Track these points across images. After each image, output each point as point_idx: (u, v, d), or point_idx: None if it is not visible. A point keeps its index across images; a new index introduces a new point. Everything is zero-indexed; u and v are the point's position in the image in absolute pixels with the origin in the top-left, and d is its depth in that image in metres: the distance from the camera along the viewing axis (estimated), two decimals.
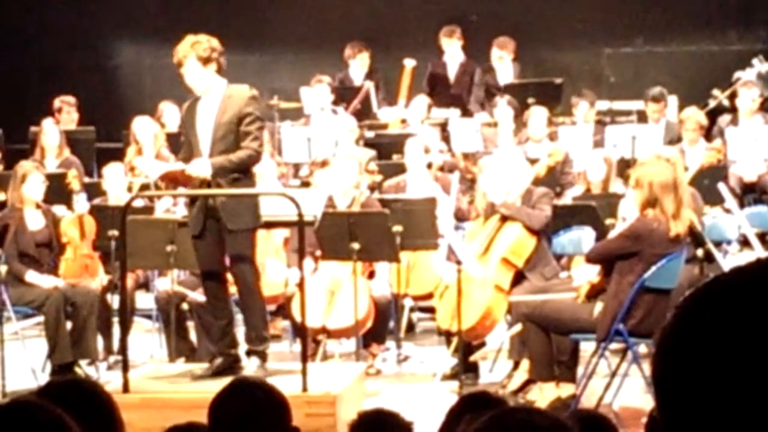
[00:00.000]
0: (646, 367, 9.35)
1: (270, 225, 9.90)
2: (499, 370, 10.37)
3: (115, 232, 10.61)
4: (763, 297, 1.46)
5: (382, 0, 16.52)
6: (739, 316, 1.45)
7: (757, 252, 11.82)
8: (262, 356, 9.37)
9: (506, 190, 10.46)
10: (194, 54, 9.15)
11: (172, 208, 11.99)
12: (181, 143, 13.45)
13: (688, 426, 1.47)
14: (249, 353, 9.43)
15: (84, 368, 10.66)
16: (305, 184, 11.35)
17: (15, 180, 11.25)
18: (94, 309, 10.73)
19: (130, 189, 12.30)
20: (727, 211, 12.04)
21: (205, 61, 9.16)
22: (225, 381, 5.27)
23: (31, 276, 10.88)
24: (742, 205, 12.18)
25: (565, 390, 9.36)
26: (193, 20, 15.79)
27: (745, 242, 12.01)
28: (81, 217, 11.43)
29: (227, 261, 9.50)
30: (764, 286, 1.48)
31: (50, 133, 13.86)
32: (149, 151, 13.52)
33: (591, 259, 9.61)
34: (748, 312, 1.45)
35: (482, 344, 10.56)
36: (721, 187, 11.89)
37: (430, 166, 12.20)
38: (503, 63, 15.78)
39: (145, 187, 12.61)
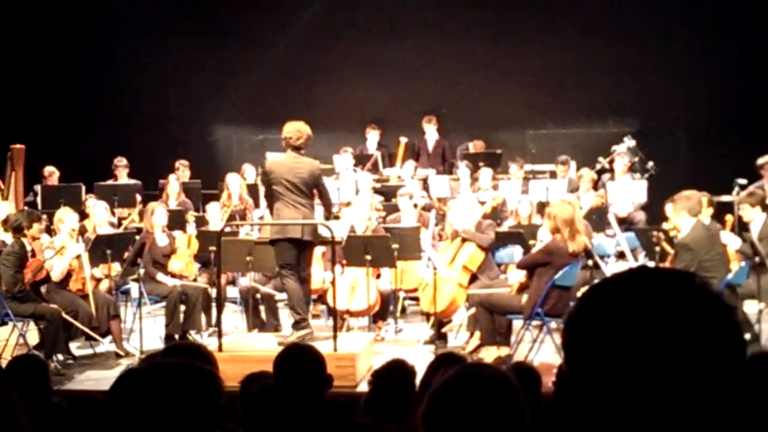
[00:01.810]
0: (556, 336, 9.36)
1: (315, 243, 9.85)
2: (460, 338, 10.33)
3: (213, 248, 10.60)
4: (632, 292, 1.52)
5: (387, 96, 16.43)
6: (617, 304, 1.51)
7: (630, 262, 11.84)
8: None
9: (465, 221, 10.46)
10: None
11: (249, 231, 12.00)
12: (254, 192, 13.55)
13: (585, 374, 1.51)
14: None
15: (193, 336, 10.63)
16: (336, 217, 11.31)
17: (147, 213, 11.27)
18: (199, 297, 10.70)
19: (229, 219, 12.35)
20: (608, 235, 12.04)
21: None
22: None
23: (160, 277, 10.86)
24: None
25: (503, 351, 9.32)
26: (264, 109, 15.87)
27: (620, 255, 12.01)
28: (190, 237, 11.48)
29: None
30: (632, 285, 1.53)
31: (172, 184, 13.86)
32: (235, 196, 13.51)
33: (520, 266, 9.56)
34: (622, 301, 1.51)
35: (449, 321, 10.53)
36: (611, 218, 11.86)
37: (416, 206, 12.20)
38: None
39: (231, 218, 12.64)
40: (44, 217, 10.79)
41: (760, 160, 12.74)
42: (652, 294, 1.50)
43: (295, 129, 9.05)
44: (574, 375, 1.54)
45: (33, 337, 10.02)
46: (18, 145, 13.17)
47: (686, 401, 1.46)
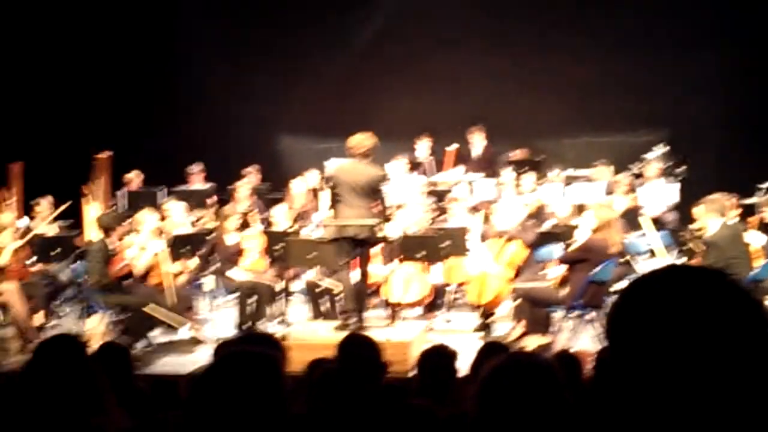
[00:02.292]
0: (593, 326, 9.31)
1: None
2: (505, 328, 10.30)
3: (279, 246, 10.66)
4: (669, 287, 1.54)
5: (437, 107, 16.40)
6: (656, 298, 1.53)
7: (661, 259, 11.74)
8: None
9: (509, 222, 10.44)
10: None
11: (313, 231, 12.03)
12: (316, 195, 13.60)
13: (627, 362, 1.53)
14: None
15: (261, 325, 10.69)
16: (390, 218, 11.34)
17: (221, 216, 11.35)
18: (267, 290, 10.77)
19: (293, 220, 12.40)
20: (642, 235, 11.96)
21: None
22: (344, 333, 5.32)
23: (230, 272, 10.95)
24: None
25: (544, 340, 9.31)
26: (325, 120, 15.89)
27: (652, 253, 11.91)
28: (259, 236, 11.53)
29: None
30: (670, 281, 1.55)
31: (242, 188, 13.94)
32: (299, 199, 13.57)
33: (560, 262, 9.57)
34: (661, 295, 1.53)
35: (495, 312, 10.51)
36: (643, 219, 11.82)
37: (465, 207, 12.19)
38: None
39: (295, 219, 12.68)
40: (133, 218, 10.89)
41: None
42: (687, 289, 1.53)
43: (360, 139, 9.15)
44: (616, 362, 1.55)
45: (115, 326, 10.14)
46: (104, 153, 13.35)
47: (718, 385, 1.46)
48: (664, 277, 1.58)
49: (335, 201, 9.27)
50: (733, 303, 1.51)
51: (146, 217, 10.55)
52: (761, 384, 1.47)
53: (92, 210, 12.10)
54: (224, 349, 4.75)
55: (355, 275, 9.30)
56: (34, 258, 10.88)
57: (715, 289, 1.52)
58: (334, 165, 9.56)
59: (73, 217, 12.40)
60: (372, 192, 9.11)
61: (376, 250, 10.43)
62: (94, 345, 6.45)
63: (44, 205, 11.92)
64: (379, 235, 9.43)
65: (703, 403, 1.47)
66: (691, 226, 10.05)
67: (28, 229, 11.50)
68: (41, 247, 10.90)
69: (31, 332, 9.95)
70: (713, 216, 9.09)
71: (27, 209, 12.31)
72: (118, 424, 3.17)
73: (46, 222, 11.81)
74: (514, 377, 2.54)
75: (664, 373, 1.48)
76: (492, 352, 4.73)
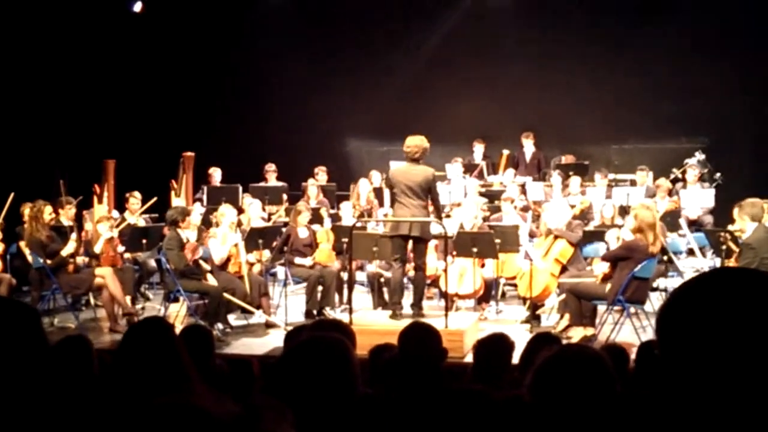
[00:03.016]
0: (634, 320, 9.20)
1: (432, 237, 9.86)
2: (552, 319, 10.21)
3: (345, 239, 10.67)
4: (715, 288, 1.52)
5: (492, 114, 16.34)
6: (706, 298, 1.51)
7: (699, 258, 11.58)
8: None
9: (557, 221, 10.34)
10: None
11: (375, 227, 12.03)
12: (379, 194, 13.62)
13: (676, 357, 1.51)
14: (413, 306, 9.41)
15: (328, 312, 10.72)
16: (447, 216, 11.29)
17: (293, 213, 11.37)
18: (334, 280, 10.79)
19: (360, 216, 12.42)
20: (681, 235, 11.81)
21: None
22: (407, 322, 5.30)
23: (299, 260, 10.98)
24: None
25: (589, 331, 9.20)
26: (388, 124, 15.88)
27: (690, 252, 11.76)
28: (327, 231, 11.56)
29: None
30: (719, 282, 1.53)
31: (312, 186, 14.01)
32: (364, 197, 13.61)
33: (604, 258, 9.43)
34: (709, 295, 1.51)
35: (543, 305, 10.42)
36: (683, 221, 11.71)
37: (515, 207, 12.12)
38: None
39: (360, 215, 12.70)
40: (223, 211, 10.93)
41: None
42: (735, 290, 1.50)
43: (413, 144, 9.11)
44: (666, 357, 1.53)
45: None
46: (188, 153, 13.49)
47: (763, 378, 1.44)
48: (713, 279, 1.55)
49: (393, 200, 9.32)
50: None
51: (226, 211, 10.63)
52: None
53: (178, 203, 12.26)
54: (298, 334, 4.78)
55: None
56: (123, 248, 11.04)
57: (762, 290, 1.49)
58: (392, 167, 9.55)
59: (159, 210, 12.57)
60: (426, 191, 9.10)
61: (432, 245, 10.41)
62: (177, 327, 6.51)
63: (135, 198, 12.07)
64: (434, 232, 9.44)
65: (750, 399, 1.44)
66: (730, 227, 9.87)
67: (121, 220, 11.67)
68: (131, 237, 11.04)
69: (128, 312, 10.13)
70: (749, 219, 8.94)
71: (119, 202, 12.50)
72: (201, 399, 3.18)
73: (137, 214, 11.97)
74: (568, 367, 2.54)
75: (712, 370, 1.46)
76: (543, 342, 4.68)
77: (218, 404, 3.29)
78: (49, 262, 10.03)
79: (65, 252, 10.13)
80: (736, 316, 1.46)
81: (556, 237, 10.20)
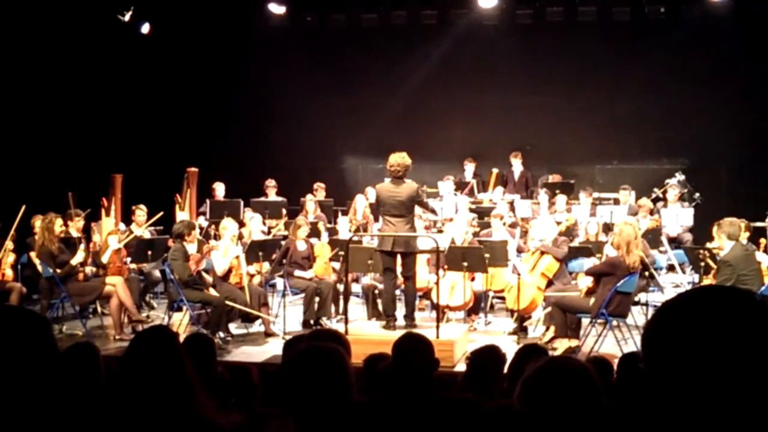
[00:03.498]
0: (617, 332, 9.20)
1: (421, 252, 9.86)
2: (538, 331, 10.20)
3: (341, 253, 10.66)
4: (700, 306, 1.51)
5: (482, 135, 16.37)
6: (690, 314, 1.51)
7: (679, 274, 11.61)
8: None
9: (544, 237, 10.36)
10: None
11: (371, 240, 12.01)
12: (374, 209, 13.62)
13: (662, 371, 1.50)
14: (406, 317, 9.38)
15: (324, 322, 10.70)
16: (439, 231, 11.28)
17: (292, 227, 11.36)
18: (330, 291, 10.76)
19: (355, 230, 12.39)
20: (661, 252, 11.83)
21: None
22: (399, 332, 5.28)
23: (298, 273, 10.96)
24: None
25: (573, 343, 9.19)
26: (384, 143, 15.86)
27: (670, 268, 11.78)
28: (324, 244, 11.53)
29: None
30: (701, 301, 1.53)
31: (310, 201, 14.00)
32: (360, 213, 13.61)
33: (588, 274, 9.44)
34: (694, 312, 1.50)
35: (530, 317, 10.41)
36: (663, 239, 11.77)
37: (505, 223, 12.12)
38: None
39: (356, 229, 12.69)
40: (227, 223, 10.92)
41: None
42: (718, 307, 1.50)
43: (395, 162, 9.07)
44: (652, 371, 1.53)
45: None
46: (192, 168, 13.48)
47: (748, 395, 1.44)
48: (697, 297, 1.55)
49: (381, 217, 9.32)
50: (761, 320, 1.47)
51: (228, 224, 10.62)
52: None
53: (183, 216, 12.24)
54: (296, 343, 4.76)
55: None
56: (129, 258, 11.02)
57: (745, 307, 1.49)
58: (377, 186, 9.52)
59: (164, 224, 12.53)
60: (411, 207, 9.07)
61: (424, 258, 10.39)
62: (180, 335, 6.49)
63: (141, 211, 12.06)
64: (426, 247, 9.42)
65: (733, 413, 1.44)
66: (708, 245, 9.90)
67: (128, 232, 11.65)
68: (137, 248, 11.02)
69: (137, 319, 10.10)
70: (725, 238, 8.95)
71: (126, 215, 12.48)
72: (203, 406, 3.17)
73: (143, 227, 11.95)
74: (555, 379, 2.53)
75: (697, 385, 1.46)
76: (530, 353, 4.68)
77: (222, 414, 3.27)
78: (58, 271, 10.02)
79: (74, 261, 10.13)
80: (719, 333, 1.46)
81: (542, 252, 10.21)
